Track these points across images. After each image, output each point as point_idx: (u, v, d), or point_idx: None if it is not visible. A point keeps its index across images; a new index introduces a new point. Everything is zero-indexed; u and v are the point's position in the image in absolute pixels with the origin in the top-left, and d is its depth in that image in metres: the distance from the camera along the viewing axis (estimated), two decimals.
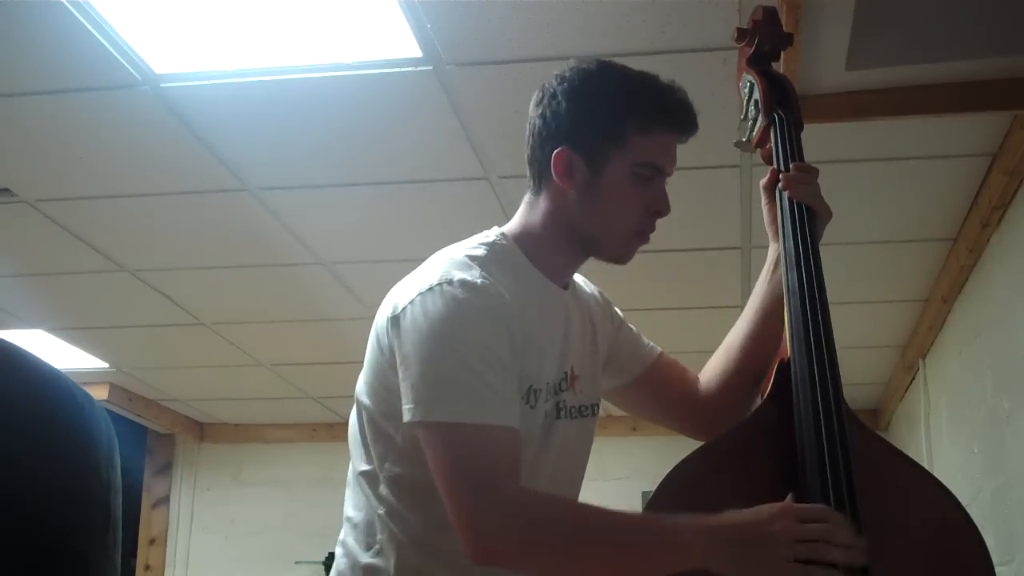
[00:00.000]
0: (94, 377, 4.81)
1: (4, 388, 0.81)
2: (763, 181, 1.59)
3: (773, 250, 1.59)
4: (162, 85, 2.46)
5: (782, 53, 1.77)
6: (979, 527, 1.35)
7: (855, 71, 2.28)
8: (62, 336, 4.32)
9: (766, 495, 1.28)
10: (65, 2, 2.15)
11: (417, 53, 2.31)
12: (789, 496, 1.25)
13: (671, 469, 1.32)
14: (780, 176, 1.54)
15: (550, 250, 1.49)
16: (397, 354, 1.36)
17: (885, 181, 2.87)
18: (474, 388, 1.31)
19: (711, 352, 1.69)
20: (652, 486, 1.32)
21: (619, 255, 1.52)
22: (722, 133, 2.61)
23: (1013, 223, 2.78)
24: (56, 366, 0.88)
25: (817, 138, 2.62)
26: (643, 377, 1.67)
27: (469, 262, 1.40)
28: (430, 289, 1.35)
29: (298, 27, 2.25)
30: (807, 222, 1.49)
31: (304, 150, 2.78)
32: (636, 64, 2.39)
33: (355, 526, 1.47)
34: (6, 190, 2.99)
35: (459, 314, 1.33)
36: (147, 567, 5.78)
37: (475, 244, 1.46)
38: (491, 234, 1.50)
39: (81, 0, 2.16)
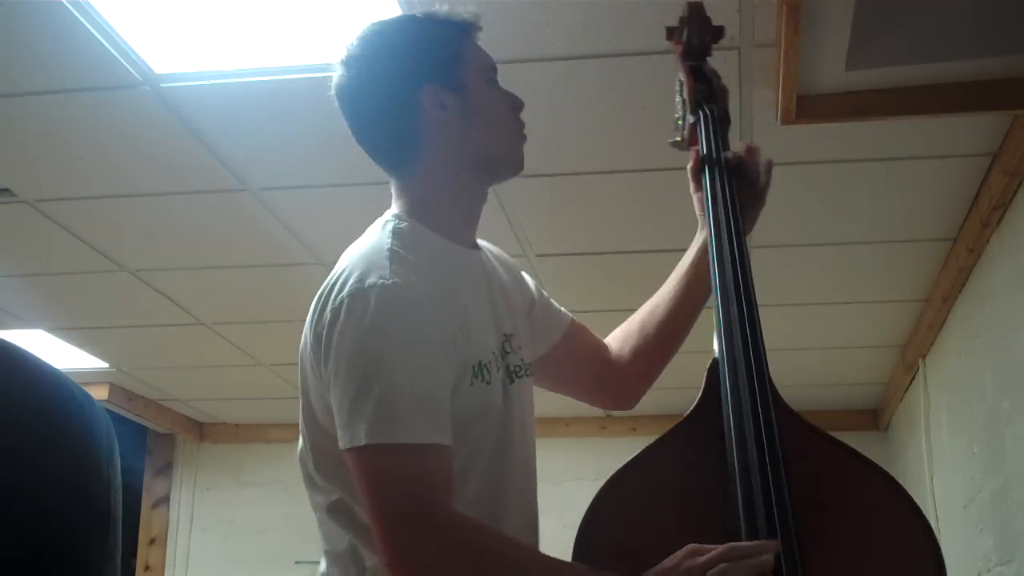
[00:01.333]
0: (94, 377, 4.81)
1: (5, 388, 0.81)
2: (689, 166, 1.60)
3: (703, 234, 1.59)
4: (162, 85, 2.46)
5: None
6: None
7: (855, 71, 2.28)
8: (62, 336, 4.32)
9: (702, 503, 1.28)
10: (65, 2, 2.15)
11: None
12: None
13: (601, 487, 1.29)
14: (705, 170, 1.55)
15: (450, 211, 1.45)
16: (326, 374, 1.30)
17: (885, 181, 2.87)
18: (404, 403, 1.23)
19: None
20: None
21: (517, 161, 1.50)
22: None
23: (1013, 223, 2.78)
24: (56, 366, 0.88)
25: (817, 138, 2.64)
26: (561, 344, 1.63)
27: (379, 259, 1.32)
28: (342, 302, 1.28)
29: (298, 27, 2.25)
30: (735, 216, 1.48)
31: (304, 150, 2.78)
32: (637, 64, 2.40)
33: (337, 558, 1.38)
34: (6, 190, 2.98)
35: (383, 324, 1.26)
36: (147, 567, 5.78)
37: (377, 235, 1.40)
38: (387, 220, 1.43)
39: (81, 0, 2.16)
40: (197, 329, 4.19)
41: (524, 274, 1.64)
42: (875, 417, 5.18)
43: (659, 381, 1.73)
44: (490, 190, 1.53)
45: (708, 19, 1.71)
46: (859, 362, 4.48)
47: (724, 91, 1.66)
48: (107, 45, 2.30)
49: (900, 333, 4.09)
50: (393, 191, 1.49)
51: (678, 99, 1.69)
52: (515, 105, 1.50)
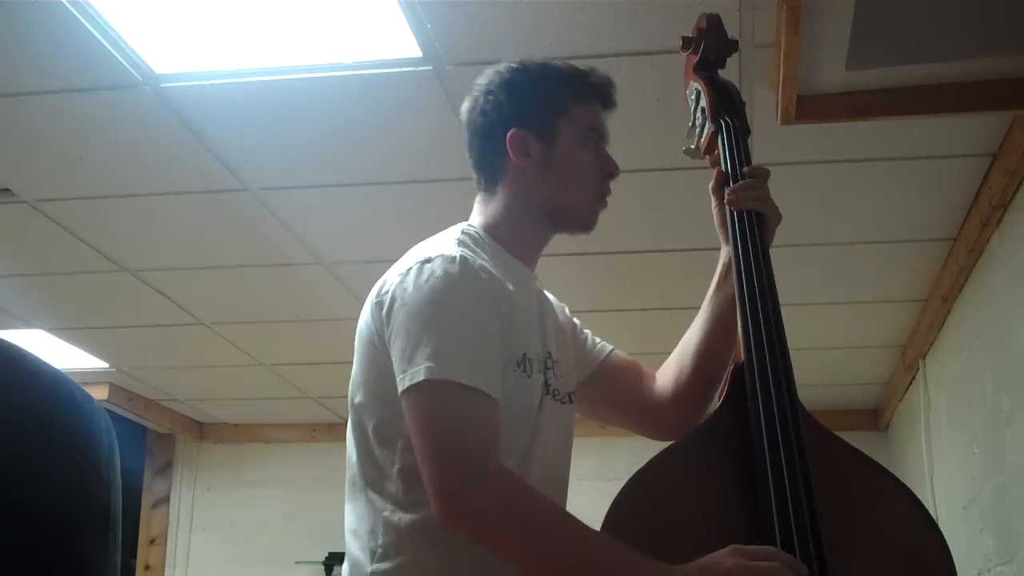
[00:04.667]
0: (94, 377, 4.81)
1: (5, 388, 0.81)
2: (711, 184, 1.62)
3: (725, 253, 1.61)
4: (162, 85, 2.46)
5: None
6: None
7: (855, 71, 2.28)
8: (62, 336, 4.32)
9: (724, 505, 1.30)
10: (65, 2, 2.15)
11: (417, 53, 2.31)
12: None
13: (626, 483, 1.30)
14: (726, 187, 1.56)
15: (518, 235, 1.54)
16: (387, 333, 1.37)
17: (885, 181, 2.87)
18: (461, 351, 1.31)
19: None
20: None
21: (587, 221, 1.58)
22: None
23: (1013, 223, 2.78)
24: (56, 366, 0.88)
25: (817, 138, 2.63)
26: (595, 375, 1.67)
27: (450, 243, 1.43)
28: (410, 269, 1.38)
29: (298, 27, 2.25)
30: (755, 228, 1.51)
31: (304, 150, 2.78)
32: (637, 63, 2.40)
33: (357, 535, 1.43)
34: (6, 190, 2.99)
35: (445, 286, 1.35)
36: (147, 567, 5.78)
37: (448, 233, 1.50)
38: (459, 227, 1.53)
39: (81, 0, 2.16)
40: (197, 329, 4.19)
41: (565, 308, 1.70)
42: (875, 417, 5.18)
43: None
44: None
45: (725, 32, 1.72)
46: (859, 362, 4.48)
47: (743, 103, 1.68)
48: (107, 45, 2.30)
49: (900, 333, 4.09)
50: (475, 205, 1.59)
51: (694, 107, 1.70)
52: (606, 171, 1.57)
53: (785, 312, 1.44)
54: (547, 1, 2.14)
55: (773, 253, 1.50)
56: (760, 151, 2.71)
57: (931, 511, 4.16)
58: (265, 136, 2.70)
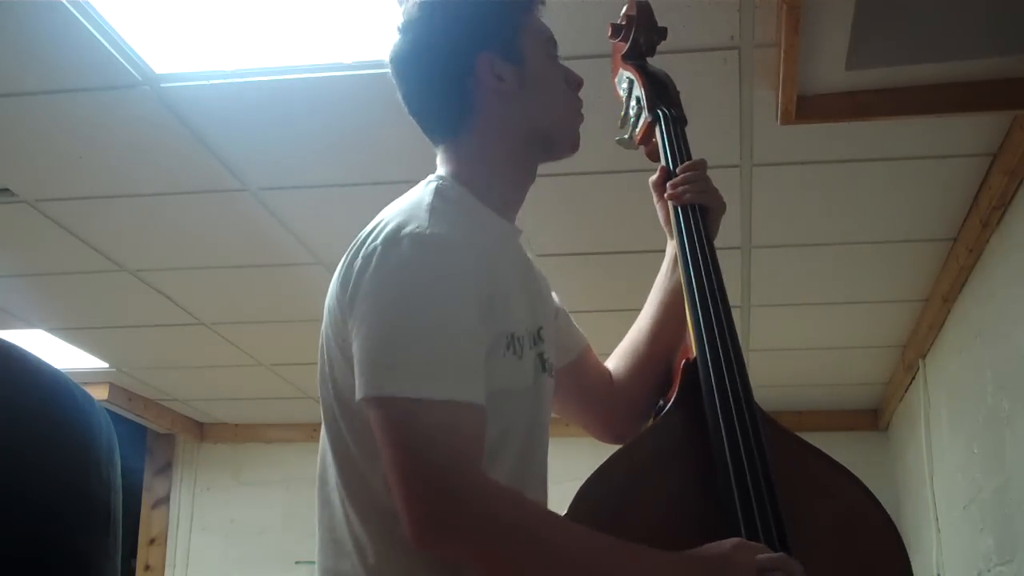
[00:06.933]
0: (94, 377, 4.81)
1: (5, 388, 0.81)
2: (652, 179, 1.57)
3: (671, 246, 1.57)
4: (162, 85, 2.46)
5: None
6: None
7: (855, 71, 2.28)
8: (62, 336, 4.32)
9: (683, 499, 1.28)
10: (65, 2, 2.15)
11: None
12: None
13: (583, 484, 1.25)
14: (667, 182, 1.52)
15: (497, 181, 1.39)
16: (350, 323, 1.22)
17: (885, 181, 2.87)
18: (435, 358, 1.16)
19: None
20: None
21: (574, 141, 1.46)
22: (722, 133, 2.62)
23: (1013, 223, 2.78)
24: (56, 366, 0.88)
25: (817, 138, 2.64)
26: (575, 364, 1.55)
27: (418, 212, 1.25)
28: (375, 249, 1.22)
29: (298, 27, 2.26)
30: (698, 220, 1.48)
31: (304, 150, 2.78)
32: None
33: (338, 554, 1.26)
34: (6, 190, 2.99)
35: (416, 273, 1.19)
36: (147, 567, 5.78)
37: (420, 192, 1.33)
38: (430, 180, 1.36)
39: (81, 0, 2.16)
40: (197, 329, 4.19)
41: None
42: (875, 417, 5.17)
43: None
44: None
45: (655, 19, 1.69)
46: (859, 362, 4.48)
47: (677, 92, 1.64)
48: (107, 45, 2.30)
49: (900, 333, 4.09)
50: (439, 159, 1.42)
51: (627, 97, 1.66)
52: (573, 81, 1.46)
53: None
54: (546, 1, 2.14)
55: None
56: (760, 151, 2.71)
57: (931, 511, 4.16)
58: (265, 136, 2.70)
